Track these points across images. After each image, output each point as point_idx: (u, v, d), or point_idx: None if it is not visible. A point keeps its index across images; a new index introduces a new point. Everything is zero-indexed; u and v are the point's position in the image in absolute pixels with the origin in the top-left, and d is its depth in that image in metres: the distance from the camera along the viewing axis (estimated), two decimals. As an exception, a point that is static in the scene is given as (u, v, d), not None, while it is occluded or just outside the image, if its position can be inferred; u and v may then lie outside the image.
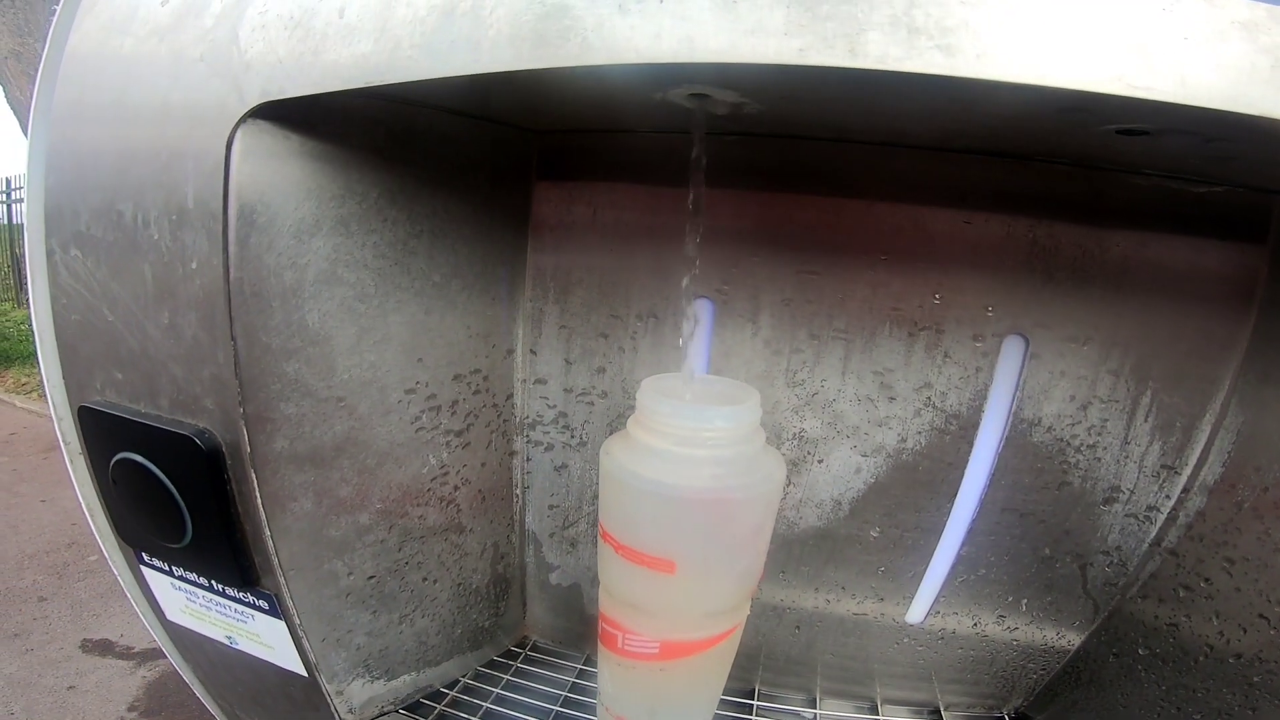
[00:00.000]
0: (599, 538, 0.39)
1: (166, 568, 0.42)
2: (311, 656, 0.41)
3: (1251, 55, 0.21)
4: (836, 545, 0.49)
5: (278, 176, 0.32)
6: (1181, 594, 0.44)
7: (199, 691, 0.50)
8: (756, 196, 0.44)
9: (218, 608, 0.42)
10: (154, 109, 0.31)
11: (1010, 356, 0.43)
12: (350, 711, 0.45)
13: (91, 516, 0.43)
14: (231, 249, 0.31)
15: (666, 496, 0.35)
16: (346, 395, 0.38)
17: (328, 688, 0.42)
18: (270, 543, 0.37)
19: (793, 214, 0.44)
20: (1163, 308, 0.42)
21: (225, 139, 0.30)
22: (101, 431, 0.38)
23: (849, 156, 0.41)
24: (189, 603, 0.43)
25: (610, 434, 0.49)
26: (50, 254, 0.35)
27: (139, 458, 0.36)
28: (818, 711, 0.54)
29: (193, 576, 0.41)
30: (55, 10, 0.33)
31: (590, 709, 0.51)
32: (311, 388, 0.36)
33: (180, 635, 0.45)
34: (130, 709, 1.40)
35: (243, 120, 0.30)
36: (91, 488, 0.42)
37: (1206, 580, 0.42)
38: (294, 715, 0.47)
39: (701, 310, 0.46)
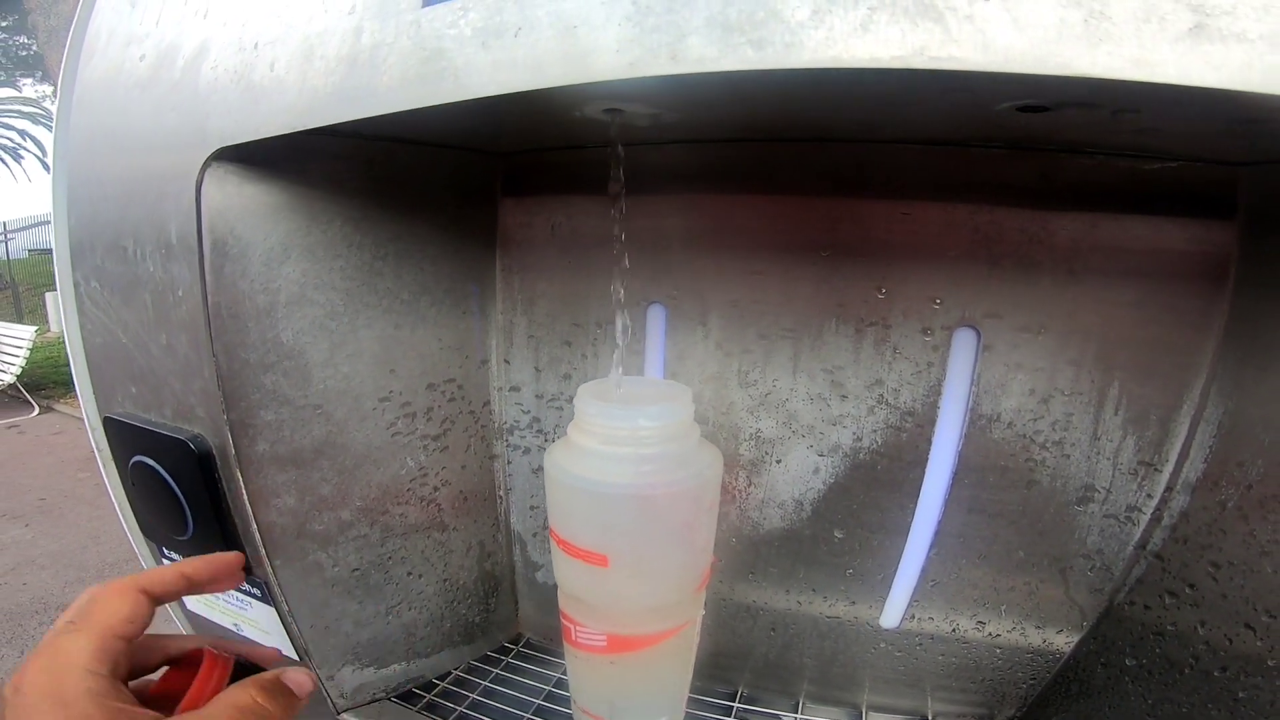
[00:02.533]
0: (549, 532, 0.42)
1: (180, 560, 0.48)
2: (301, 641, 0.45)
3: (1059, 10, 0.20)
4: (803, 546, 0.49)
5: (245, 211, 0.37)
6: (1167, 601, 0.41)
7: None
8: (700, 201, 0.45)
9: (224, 597, 0.47)
10: (142, 153, 0.37)
11: (962, 350, 0.43)
12: (342, 696, 0.49)
13: (123, 515, 0.50)
14: (208, 277, 0.36)
15: (594, 492, 0.37)
16: (323, 403, 0.43)
17: (318, 672, 0.47)
18: (257, 535, 0.42)
19: (735, 215, 0.45)
20: (1123, 292, 0.40)
21: (195, 180, 0.35)
22: (122, 439, 0.44)
23: (781, 154, 0.42)
24: None
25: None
26: (76, 285, 0.42)
27: (150, 461, 0.42)
28: (799, 716, 0.53)
29: (202, 566, 0.47)
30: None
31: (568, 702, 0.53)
32: (289, 397, 0.41)
33: (199, 623, 0.51)
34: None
35: (209, 162, 0.35)
36: (120, 490, 0.49)
37: (1191, 586, 0.40)
38: None
39: (655, 316, 0.48)
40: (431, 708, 0.52)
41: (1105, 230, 0.39)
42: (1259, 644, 0.36)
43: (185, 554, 0.46)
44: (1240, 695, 0.36)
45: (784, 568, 0.50)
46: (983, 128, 0.36)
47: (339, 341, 0.43)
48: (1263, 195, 0.37)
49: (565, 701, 0.54)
